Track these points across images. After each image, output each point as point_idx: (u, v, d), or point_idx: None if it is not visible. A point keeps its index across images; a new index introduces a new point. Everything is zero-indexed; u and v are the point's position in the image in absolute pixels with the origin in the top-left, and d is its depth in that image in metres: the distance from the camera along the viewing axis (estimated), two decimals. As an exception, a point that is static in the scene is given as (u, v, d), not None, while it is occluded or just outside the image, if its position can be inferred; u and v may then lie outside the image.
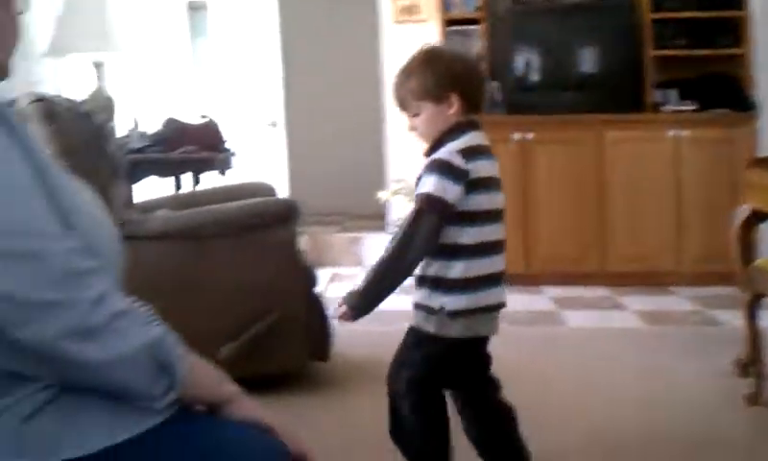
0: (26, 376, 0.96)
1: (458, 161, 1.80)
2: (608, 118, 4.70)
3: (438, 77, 1.85)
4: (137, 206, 3.25)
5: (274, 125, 5.53)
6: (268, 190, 3.64)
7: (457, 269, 1.82)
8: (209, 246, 2.85)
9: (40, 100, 2.73)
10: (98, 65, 4.13)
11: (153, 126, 4.40)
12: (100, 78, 4.14)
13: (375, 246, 5.50)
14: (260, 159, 5.34)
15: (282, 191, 5.33)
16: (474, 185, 1.81)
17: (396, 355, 1.96)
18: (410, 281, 1.89)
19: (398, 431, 1.97)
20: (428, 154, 1.89)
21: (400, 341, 1.96)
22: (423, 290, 1.87)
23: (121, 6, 4.60)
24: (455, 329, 1.86)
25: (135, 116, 4.36)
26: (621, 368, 3.25)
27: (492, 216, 1.87)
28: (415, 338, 1.91)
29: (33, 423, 0.95)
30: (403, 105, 1.92)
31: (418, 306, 1.90)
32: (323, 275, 5.08)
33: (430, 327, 1.87)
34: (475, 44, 4.95)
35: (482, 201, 1.83)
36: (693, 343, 3.56)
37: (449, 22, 4.96)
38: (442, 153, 1.83)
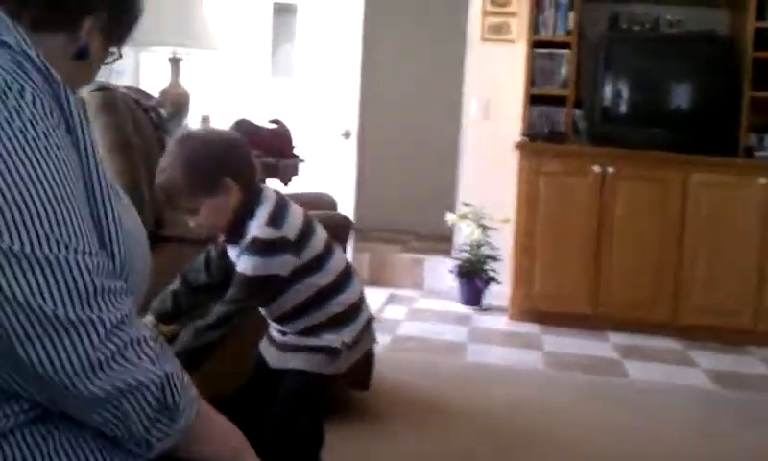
0: (18, 395, 0.87)
1: (271, 234, 1.70)
2: (695, 159, 4.44)
3: (203, 169, 1.66)
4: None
5: (347, 136, 5.46)
6: (329, 202, 3.55)
7: (337, 304, 1.79)
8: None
9: (101, 90, 2.69)
10: (175, 61, 4.13)
11: (226, 126, 4.38)
12: (176, 73, 4.14)
13: (436, 269, 5.37)
14: (330, 170, 5.26)
15: (348, 204, 5.24)
16: (303, 237, 1.75)
17: (288, 404, 1.83)
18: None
19: None
20: (229, 240, 1.76)
21: (283, 389, 1.83)
22: (314, 337, 1.80)
23: (207, 4, 4.61)
24: (342, 364, 1.83)
25: (206, 113, 4.35)
26: (677, 429, 3.02)
27: (331, 247, 1.82)
28: (308, 380, 1.82)
29: (4, 444, 0.87)
30: (176, 207, 1.72)
31: (312, 349, 1.80)
32: (379, 295, 4.98)
33: (329, 368, 1.82)
34: (562, 69, 4.79)
35: (316, 243, 1.78)
36: (764, 411, 3.28)
37: (537, 44, 4.80)
38: (253, 232, 1.69)
